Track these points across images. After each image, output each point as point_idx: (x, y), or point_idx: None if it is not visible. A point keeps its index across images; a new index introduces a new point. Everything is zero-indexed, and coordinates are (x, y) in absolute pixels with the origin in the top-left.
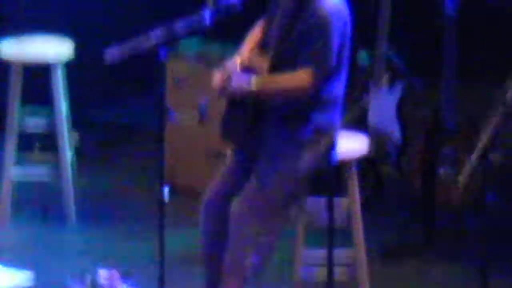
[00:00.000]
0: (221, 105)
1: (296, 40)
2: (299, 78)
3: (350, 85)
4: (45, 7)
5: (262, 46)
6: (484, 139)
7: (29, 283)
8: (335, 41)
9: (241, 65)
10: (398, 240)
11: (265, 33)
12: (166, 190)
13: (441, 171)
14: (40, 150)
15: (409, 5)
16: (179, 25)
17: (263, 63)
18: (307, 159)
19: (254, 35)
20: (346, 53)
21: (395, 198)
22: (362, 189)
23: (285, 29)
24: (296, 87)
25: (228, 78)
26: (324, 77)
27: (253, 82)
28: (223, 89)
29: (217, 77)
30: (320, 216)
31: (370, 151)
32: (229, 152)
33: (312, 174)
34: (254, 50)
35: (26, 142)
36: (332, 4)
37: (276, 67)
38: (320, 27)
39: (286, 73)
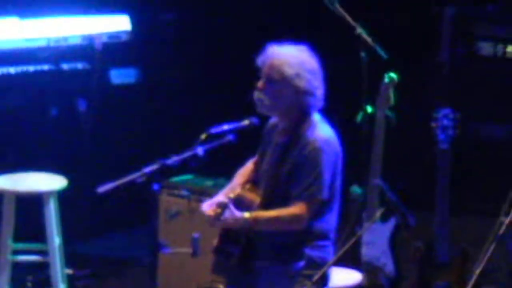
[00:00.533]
0: (214, 239)
1: (288, 174)
2: (293, 212)
3: (343, 218)
4: (40, 147)
5: (254, 181)
6: (476, 272)
7: None
8: (327, 174)
9: (233, 199)
10: None
11: (257, 169)
12: None
13: None
14: (33, 284)
15: (402, 139)
16: (173, 160)
17: (255, 197)
18: None
19: (246, 170)
20: (338, 185)
21: None
22: None
23: (277, 163)
24: (290, 220)
25: (221, 209)
26: (317, 210)
27: (246, 216)
28: (215, 220)
29: (208, 211)
30: None
31: (363, 284)
32: (221, 287)
33: None
34: (245, 184)
35: (19, 275)
36: (324, 137)
37: (268, 201)
38: (312, 160)
39: (279, 208)
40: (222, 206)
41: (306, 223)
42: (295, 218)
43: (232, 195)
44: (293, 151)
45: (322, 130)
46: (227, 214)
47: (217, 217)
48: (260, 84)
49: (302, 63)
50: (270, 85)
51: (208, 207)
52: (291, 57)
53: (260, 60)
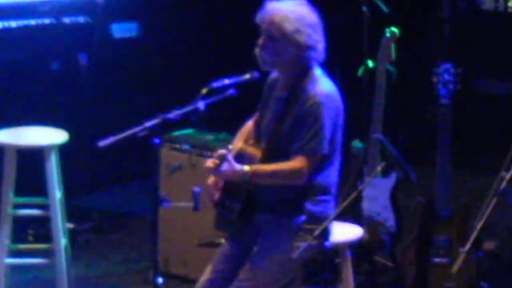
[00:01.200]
0: (215, 193)
1: (289, 128)
2: (293, 166)
3: (344, 173)
4: (41, 101)
5: (256, 137)
6: (478, 227)
7: None
8: (328, 129)
9: (235, 156)
10: None
11: (258, 125)
12: (160, 280)
13: (435, 259)
14: (34, 237)
15: (403, 94)
16: (174, 114)
17: (256, 152)
18: (300, 247)
19: (248, 127)
20: (339, 140)
21: (388, 286)
22: (356, 277)
23: (278, 118)
24: (290, 175)
25: (219, 160)
26: (318, 165)
27: (246, 169)
28: (214, 171)
29: (209, 161)
30: None
31: (364, 239)
32: (223, 241)
33: (305, 262)
34: (247, 141)
35: (20, 229)
36: (325, 91)
37: (269, 156)
38: (312, 114)
39: (279, 162)
40: (221, 158)
41: (306, 177)
42: (295, 172)
43: (232, 148)
44: (294, 106)
45: (323, 85)
46: (226, 166)
47: (215, 167)
48: (260, 41)
49: (302, 18)
50: (270, 42)
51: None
52: (291, 13)
53: (259, 17)
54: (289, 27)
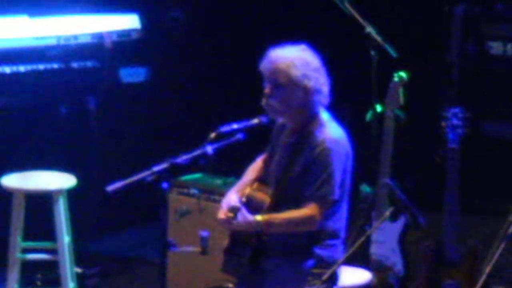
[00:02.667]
0: (224, 238)
1: (298, 175)
2: (305, 213)
3: (352, 217)
4: (49, 146)
5: (263, 180)
6: (486, 271)
7: None
8: (337, 174)
9: (244, 201)
10: None
11: (266, 168)
12: None
13: None
14: (42, 282)
15: (412, 138)
16: (182, 158)
17: (264, 197)
18: None
19: (255, 168)
20: (347, 184)
21: None
22: None
23: (287, 164)
24: (303, 222)
25: (233, 213)
26: (329, 210)
27: (259, 219)
28: (227, 223)
29: (220, 211)
30: None
31: (372, 283)
32: (231, 285)
33: None
34: (254, 182)
35: (28, 273)
36: (333, 136)
37: (278, 201)
38: (322, 161)
39: (290, 210)
40: (235, 210)
41: (319, 224)
42: (307, 219)
43: (242, 197)
44: (303, 152)
45: (331, 130)
46: (239, 217)
47: (230, 221)
48: (267, 90)
49: (307, 63)
50: (277, 90)
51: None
52: (295, 59)
53: (263, 66)
54: (296, 72)
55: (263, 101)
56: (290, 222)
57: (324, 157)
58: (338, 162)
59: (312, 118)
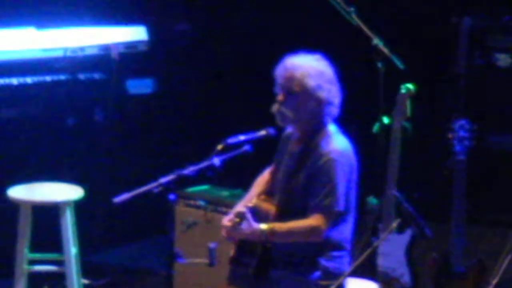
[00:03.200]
0: (231, 249)
1: (303, 185)
2: (310, 224)
3: (359, 229)
4: (56, 157)
5: (270, 191)
6: (493, 283)
7: None
8: (342, 186)
9: (250, 209)
10: None
11: (273, 179)
12: None
13: None
14: None
15: (419, 150)
16: (189, 170)
17: (270, 208)
18: None
19: (262, 180)
20: (353, 196)
21: None
22: None
23: (292, 173)
24: (308, 232)
25: (239, 219)
26: (334, 221)
27: (264, 228)
28: (232, 230)
29: (225, 221)
30: None
31: None
32: None
33: None
34: (261, 194)
35: (35, 285)
36: (338, 148)
37: (283, 211)
38: (326, 172)
39: (295, 220)
40: (240, 216)
41: (324, 235)
42: (312, 230)
43: (249, 205)
44: (308, 162)
45: (336, 142)
46: (244, 225)
47: (235, 226)
48: (280, 97)
49: (322, 74)
50: (290, 98)
51: (227, 218)
52: (311, 68)
53: (278, 73)
54: (310, 82)
55: (275, 108)
56: (294, 231)
57: (328, 168)
58: (343, 174)
59: (320, 129)
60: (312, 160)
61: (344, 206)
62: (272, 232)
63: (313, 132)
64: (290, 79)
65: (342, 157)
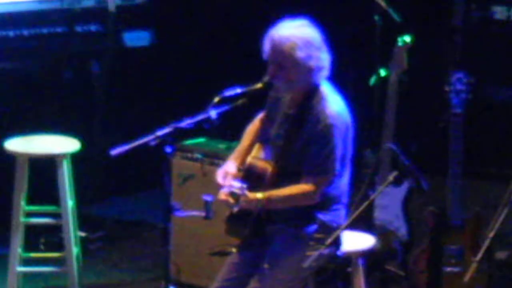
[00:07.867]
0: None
1: (300, 148)
2: (305, 189)
3: (355, 182)
4: (53, 110)
5: (261, 140)
6: (489, 236)
7: None
8: (338, 150)
9: (245, 170)
10: None
11: (264, 129)
12: None
13: (447, 269)
14: (46, 245)
15: (416, 103)
16: (186, 123)
17: (266, 166)
18: (312, 256)
19: (253, 128)
20: (349, 152)
21: None
22: (368, 286)
23: (287, 137)
24: (303, 198)
25: (235, 199)
26: (329, 183)
27: (260, 197)
28: (231, 207)
29: (221, 192)
30: None
31: (376, 248)
32: (234, 250)
33: (317, 271)
34: (254, 150)
35: (32, 237)
36: (334, 111)
37: (279, 174)
38: (324, 137)
39: (290, 186)
40: (237, 196)
41: (319, 197)
42: (307, 194)
43: (243, 166)
44: (304, 127)
45: (332, 104)
46: (242, 203)
47: (233, 205)
48: (271, 70)
49: (310, 43)
50: (282, 70)
51: (221, 175)
52: (298, 39)
53: (265, 47)
54: (300, 54)
55: (265, 79)
56: (289, 198)
57: (325, 133)
58: (340, 137)
59: (313, 90)
60: (307, 125)
61: (339, 169)
62: (268, 200)
63: (307, 94)
64: (279, 53)
65: (338, 120)
